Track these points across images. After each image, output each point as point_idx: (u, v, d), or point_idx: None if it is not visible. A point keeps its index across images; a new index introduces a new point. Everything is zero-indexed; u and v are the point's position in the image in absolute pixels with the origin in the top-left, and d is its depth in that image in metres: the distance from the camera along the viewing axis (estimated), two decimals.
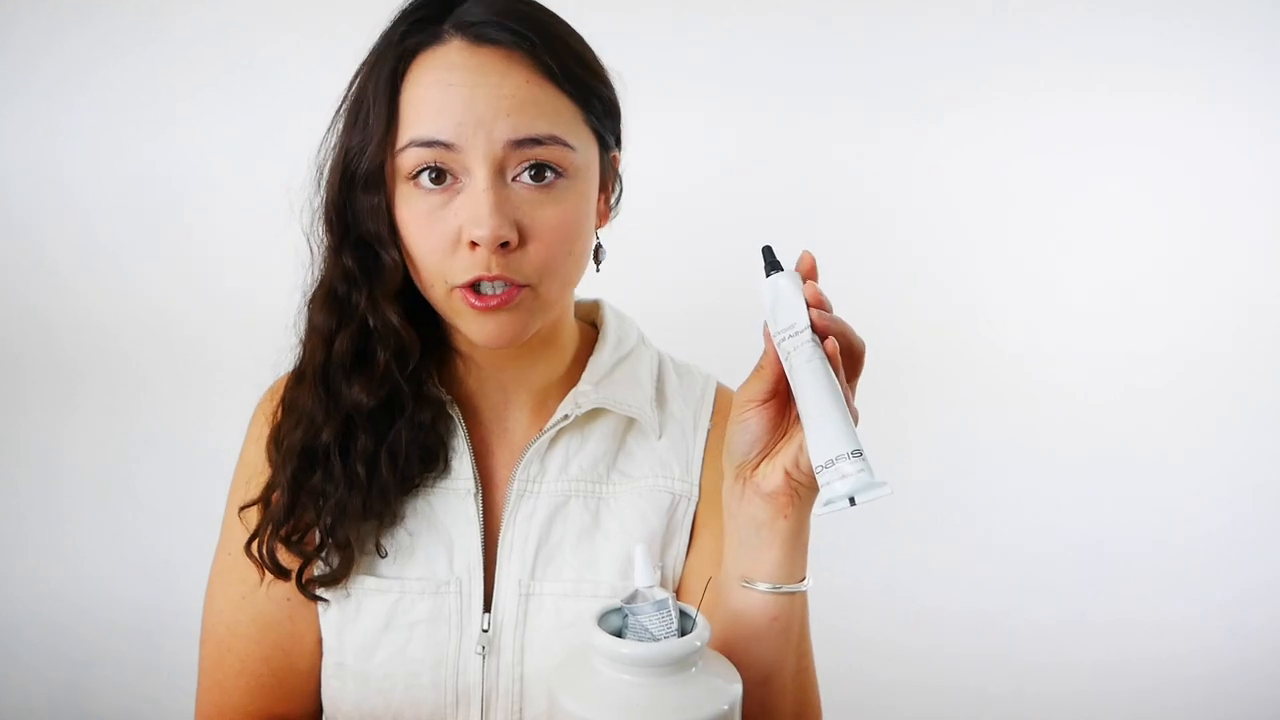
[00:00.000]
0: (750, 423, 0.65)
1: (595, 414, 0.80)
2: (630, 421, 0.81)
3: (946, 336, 1.45)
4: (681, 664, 0.57)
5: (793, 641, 0.69)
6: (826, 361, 0.60)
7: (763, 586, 0.67)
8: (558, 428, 0.78)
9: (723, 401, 0.85)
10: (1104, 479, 1.46)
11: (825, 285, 0.63)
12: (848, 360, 0.62)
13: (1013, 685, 1.47)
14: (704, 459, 0.82)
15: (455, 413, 0.78)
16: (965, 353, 1.46)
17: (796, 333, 0.61)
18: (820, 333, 0.61)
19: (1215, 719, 1.47)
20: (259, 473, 0.77)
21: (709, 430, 0.83)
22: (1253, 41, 1.38)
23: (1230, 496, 1.46)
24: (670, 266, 1.33)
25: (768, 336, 0.63)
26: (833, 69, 1.41)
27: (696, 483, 0.81)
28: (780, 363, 0.62)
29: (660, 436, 0.81)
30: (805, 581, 0.68)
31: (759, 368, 0.65)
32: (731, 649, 0.65)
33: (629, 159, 0.82)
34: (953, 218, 1.44)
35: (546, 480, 0.78)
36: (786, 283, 0.63)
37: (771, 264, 0.64)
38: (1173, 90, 1.40)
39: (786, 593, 0.67)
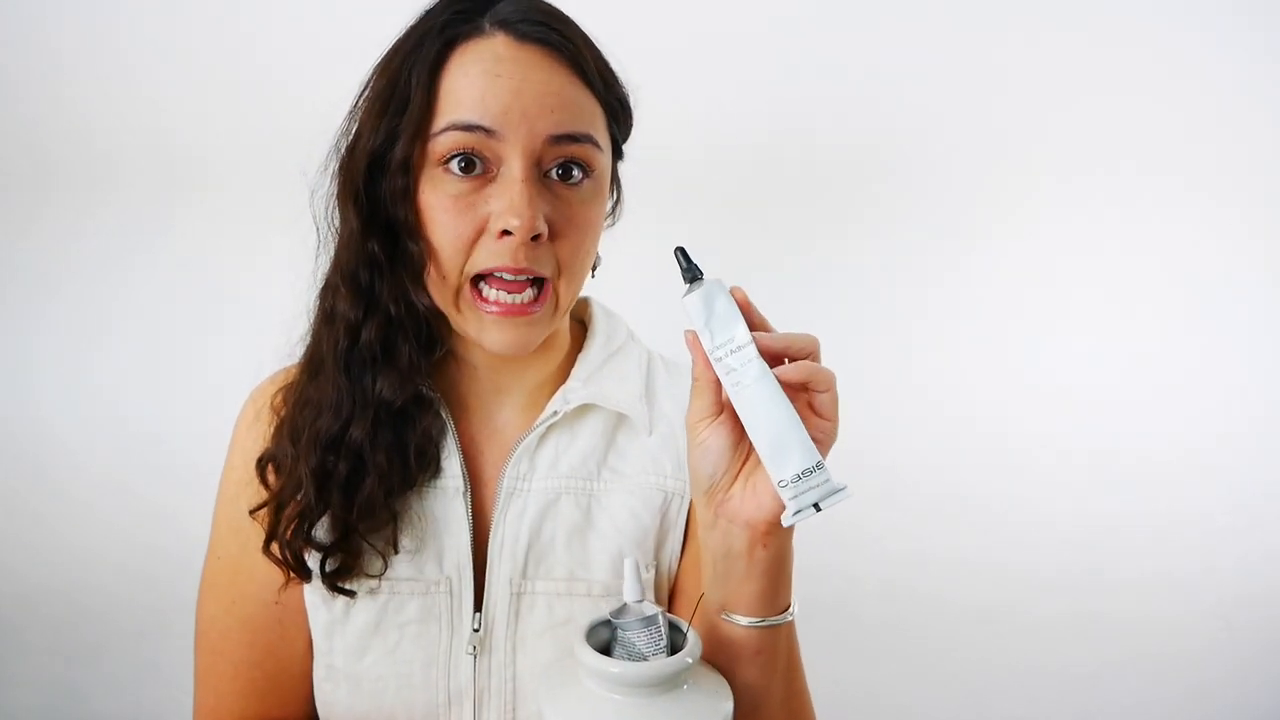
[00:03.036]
0: (709, 443, 0.63)
1: (585, 410, 0.79)
2: (620, 418, 0.80)
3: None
4: (670, 683, 0.57)
5: (780, 668, 0.68)
6: (773, 376, 0.59)
7: (744, 621, 0.65)
8: (547, 424, 0.77)
9: None
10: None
11: None
12: (820, 379, 0.60)
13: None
14: None
15: (445, 412, 0.77)
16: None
17: (739, 347, 0.59)
18: (771, 357, 0.60)
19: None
20: (255, 478, 0.76)
21: None
22: None
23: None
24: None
25: (697, 349, 0.61)
26: None
27: (689, 480, 0.79)
28: (715, 375, 0.61)
29: (651, 432, 0.80)
30: (790, 611, 0.67)
31: (695, 381, 0.63)
32: None
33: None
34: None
35: (536, 478, 0.77)
36: (717, 292, 0.60)
37: (690, 269, 0.61)
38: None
39: (770, 626, 0.65)
